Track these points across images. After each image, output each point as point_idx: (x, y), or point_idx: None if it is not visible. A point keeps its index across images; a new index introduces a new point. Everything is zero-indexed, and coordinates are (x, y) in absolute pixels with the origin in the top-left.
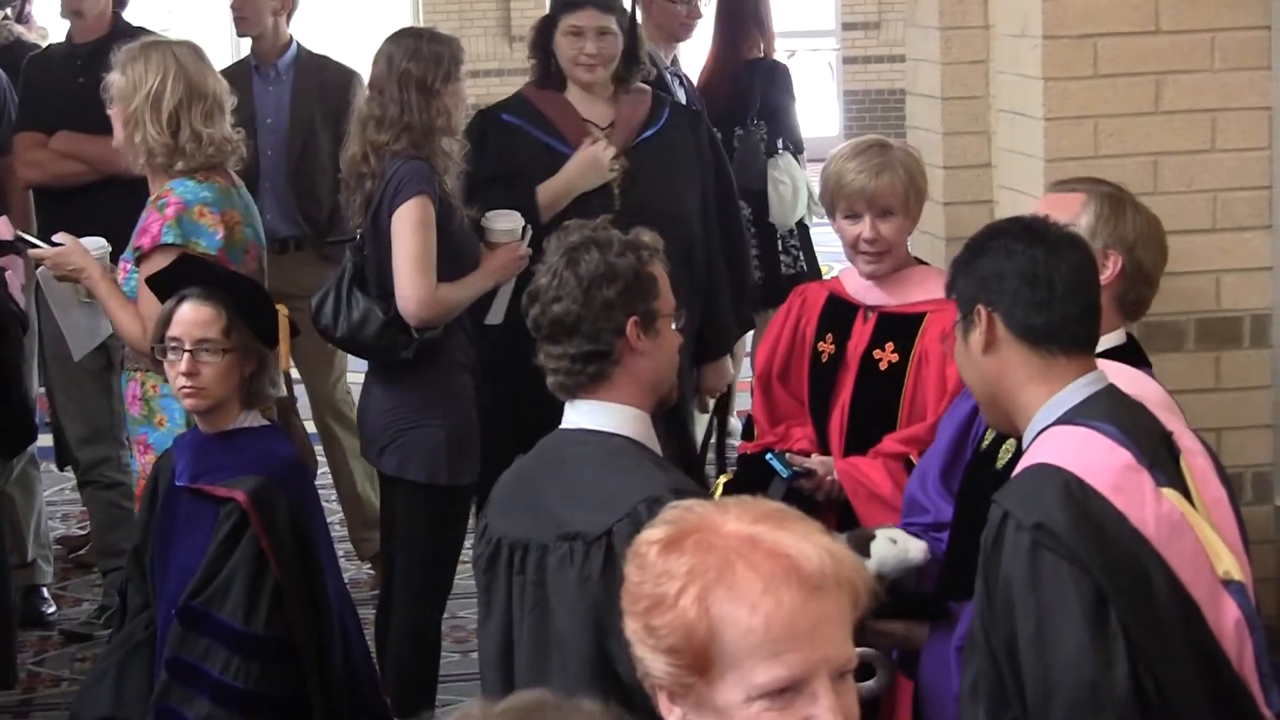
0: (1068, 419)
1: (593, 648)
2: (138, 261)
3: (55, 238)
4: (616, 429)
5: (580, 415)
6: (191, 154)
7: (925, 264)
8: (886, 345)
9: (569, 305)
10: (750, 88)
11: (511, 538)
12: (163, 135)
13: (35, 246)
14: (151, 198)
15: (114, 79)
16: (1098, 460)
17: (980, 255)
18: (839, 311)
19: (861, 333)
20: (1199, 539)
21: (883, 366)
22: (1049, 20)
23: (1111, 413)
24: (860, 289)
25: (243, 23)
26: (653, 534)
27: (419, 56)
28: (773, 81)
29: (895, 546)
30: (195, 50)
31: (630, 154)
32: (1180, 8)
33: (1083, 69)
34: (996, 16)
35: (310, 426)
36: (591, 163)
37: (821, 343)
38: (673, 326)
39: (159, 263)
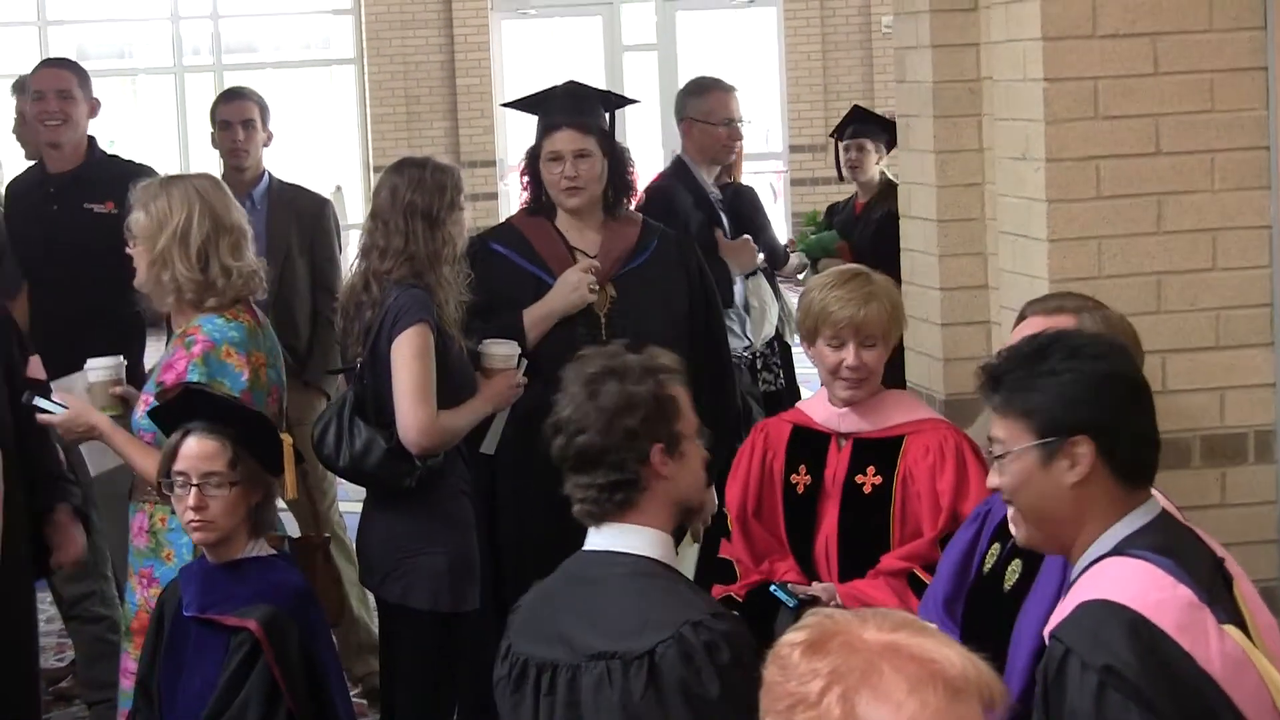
0: (1122, 549)
1: None
2: (161, 397)
3: (56, 398)
4: (643, 551)
5: (605, 538)
6: (223, 289)
7: (891, 389)
8: (868, 469)
9: (593, 437)
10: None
11: (539, 659)
12: (192, 272)
13: (46, 411)
14: (177, 333)
15: (137, 218)
16: (1161, 598)
17: (1078, 375)
18: (808, 442)
19: (838, 460)
20: (1260, 676)
21: (866, 490)
22: (1051, 143)
23: (1167, 543)
24: (830, 417)
25: (244, 155)
26: (795, 637)
27: (423, 187)
28: (742, 203)
29: None
30: (215, 183)
31: (617, 282)
32: (1180, 129)
33: (1085, 191)
34: (994, 140)
35: None
36: (571, 286)
37: (794, 474)
38: (700, 447)
39: None
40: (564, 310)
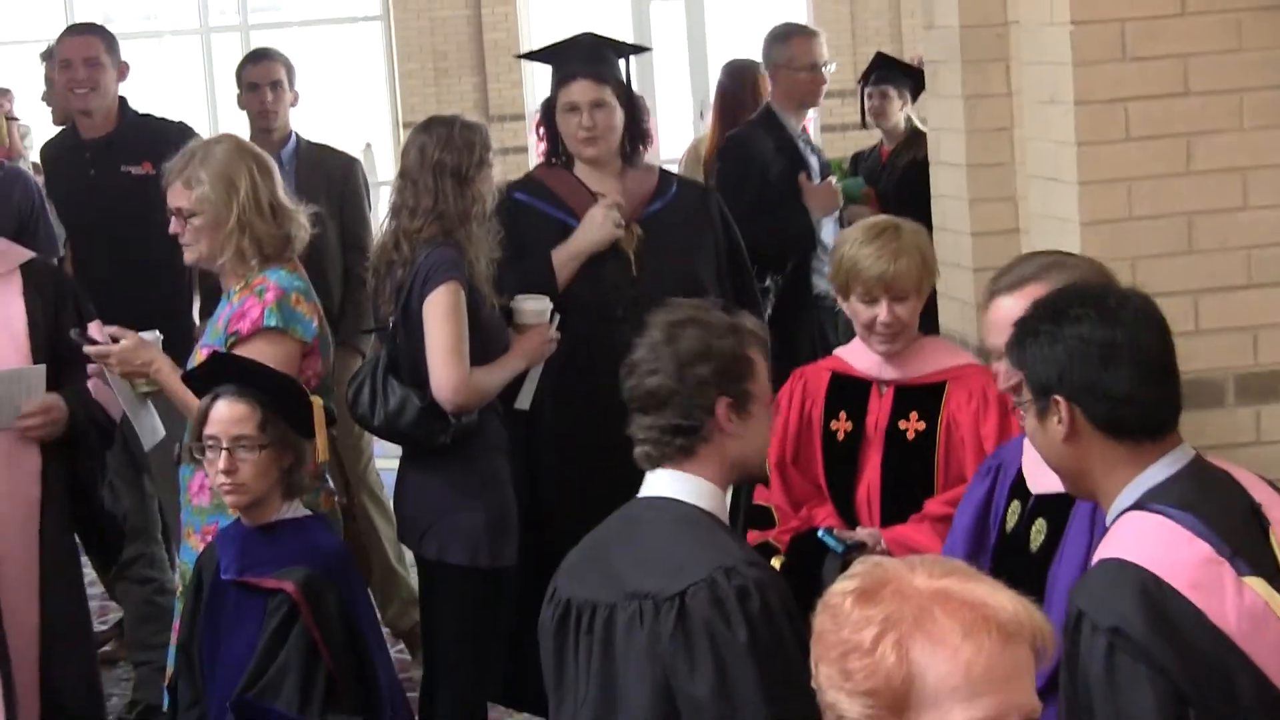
0: (1145, 503)
1: (658, 710)
2: (231, 346)
3: (112, 332)
4: (693, 500)
5: (660, 483)
6: (295, 235)
7: (928, 335)
8: (911, 415)
9: (663, 379)
10: None
11: (580, 599)
12: (271, 226)
13: (97, 344)
14: (237, 288)
15: (201, 194)
16: (1175, 555)
17: (1055, 341)
18: (848, 389)
19: (880, 407)
20: None
21: (910, 436)
22: (1080, 86)
23: (1191, 496)
24: (871, 365)
25: (272, 116)
26: (845, 585)
27: (452, 145)
28: None
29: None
30: (241, 139)
31: (643, 223)
32: (1208, 69)
33: (1115, 133)
34: (1021, 84)
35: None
36: (598, 223)
37: (834, 421)
38: (769, 413)
39: (259, 348)
40: (591, 248)
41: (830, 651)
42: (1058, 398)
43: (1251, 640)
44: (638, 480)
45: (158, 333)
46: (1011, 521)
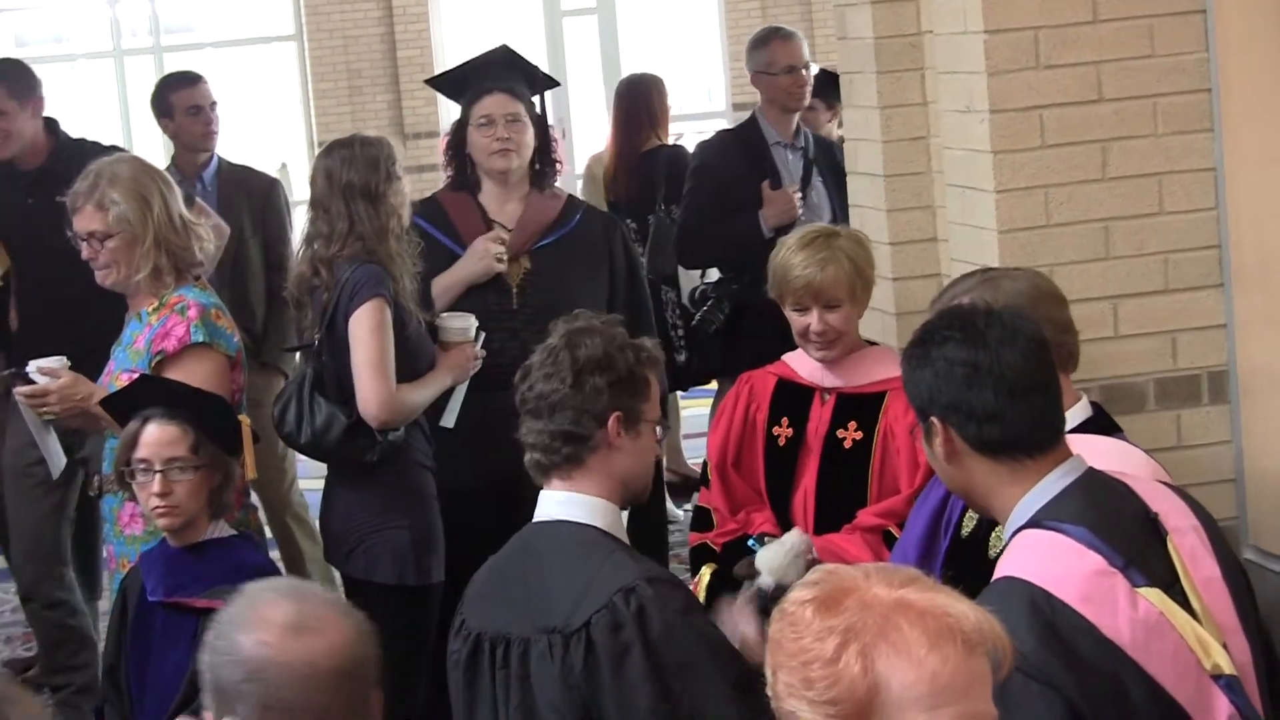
0: (1038, 520)
1: None
2: (158, 366)
3: (45, 370)
4: (588, 519)
5: (553, 506)
6: (204, 249)
7: (875, 344)
8: (849, 424)
9: (557, 384)
10: (653, 176)
11: (492, 632)
12: (182, 239)
13: (32, 382)
14: (149, 308)
15: (116, 215)
16: (1066, 569)
17: (925, 364)
18: (792, 395)
19: (821, 414)
20: (1181, 637)
21: (847, 445)
22: (995, 94)
23: (1084, 510)
24: (814, 372)
25: (214, 137)
26: (802, 594)
27: (356, 165)
28: (677, 166)
29: (773, 549)
30: (141, 157)
31: (533, 255)
32: (1122, 75)
33: (1030, 140)
34: (937, 93)
35: (267, 532)
36: (478, 255)
37: (776, 427)
38: (656, 436)
39: (190, 364)
40: (470, 279)
41: (790, 660)
42: (933, 418)
43: (1146, 651)
44: (516, 508)
45: (64, 359)
46: (968, 526)
